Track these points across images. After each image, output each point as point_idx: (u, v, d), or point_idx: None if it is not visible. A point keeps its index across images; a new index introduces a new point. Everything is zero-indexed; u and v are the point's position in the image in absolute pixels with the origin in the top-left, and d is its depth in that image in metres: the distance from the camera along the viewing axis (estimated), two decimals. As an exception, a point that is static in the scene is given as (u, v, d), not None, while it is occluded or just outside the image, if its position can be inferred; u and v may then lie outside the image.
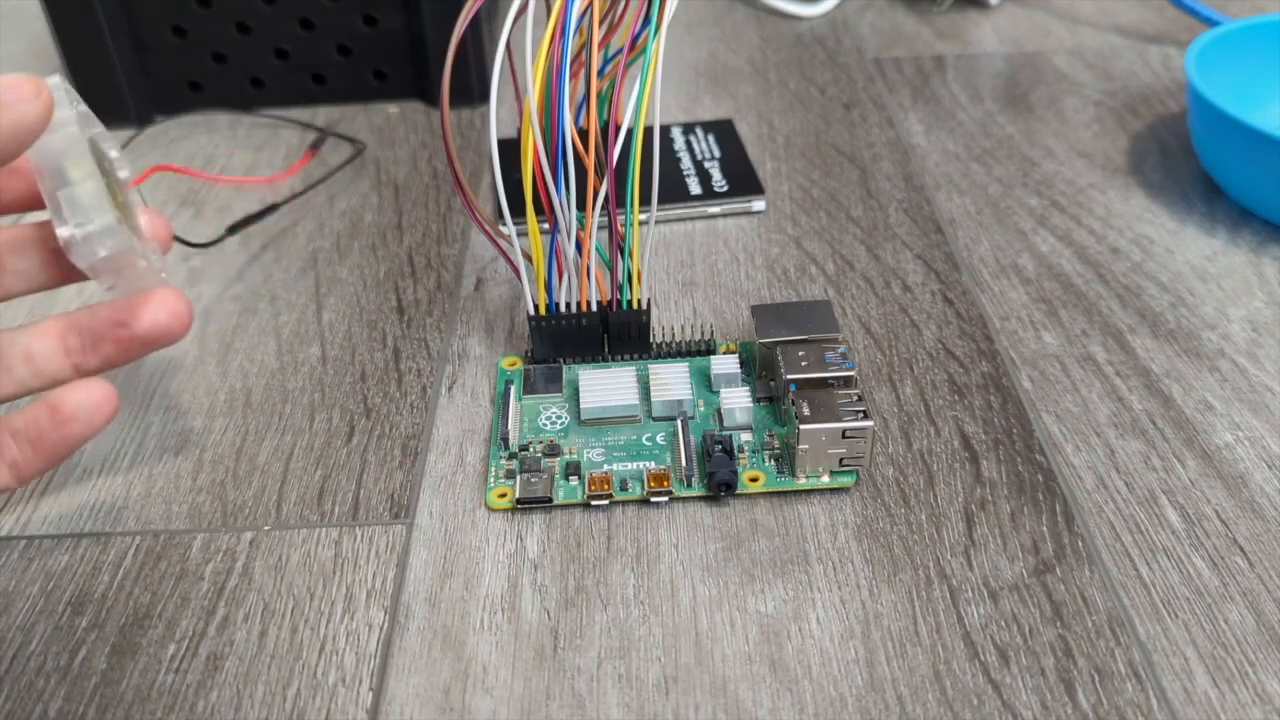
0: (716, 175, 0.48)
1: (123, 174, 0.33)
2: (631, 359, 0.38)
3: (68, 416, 0.29)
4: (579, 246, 0.35)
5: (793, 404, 0.33)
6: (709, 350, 0.38)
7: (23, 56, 0.63)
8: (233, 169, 0.51)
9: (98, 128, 0.31)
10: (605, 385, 0.36)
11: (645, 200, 0.34)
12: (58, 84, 0.29)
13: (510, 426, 0.35)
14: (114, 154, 0.32)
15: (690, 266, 0.44)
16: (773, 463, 0.34)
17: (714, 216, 0.47)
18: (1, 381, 0.31)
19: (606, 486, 0.33)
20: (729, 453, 0.33)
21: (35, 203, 0.32)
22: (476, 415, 0.37)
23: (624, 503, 0.34)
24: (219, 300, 0.43)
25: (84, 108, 0.31)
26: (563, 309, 0.37)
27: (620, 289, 0.36)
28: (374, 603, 0.31)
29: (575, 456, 0.35)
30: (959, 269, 0.43)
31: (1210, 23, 0.58)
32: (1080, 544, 0.32)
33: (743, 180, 0.48)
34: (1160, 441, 0.35)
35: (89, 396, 0.29)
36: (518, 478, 0.34)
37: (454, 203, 0.48)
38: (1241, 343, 0.39)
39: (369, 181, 0.50)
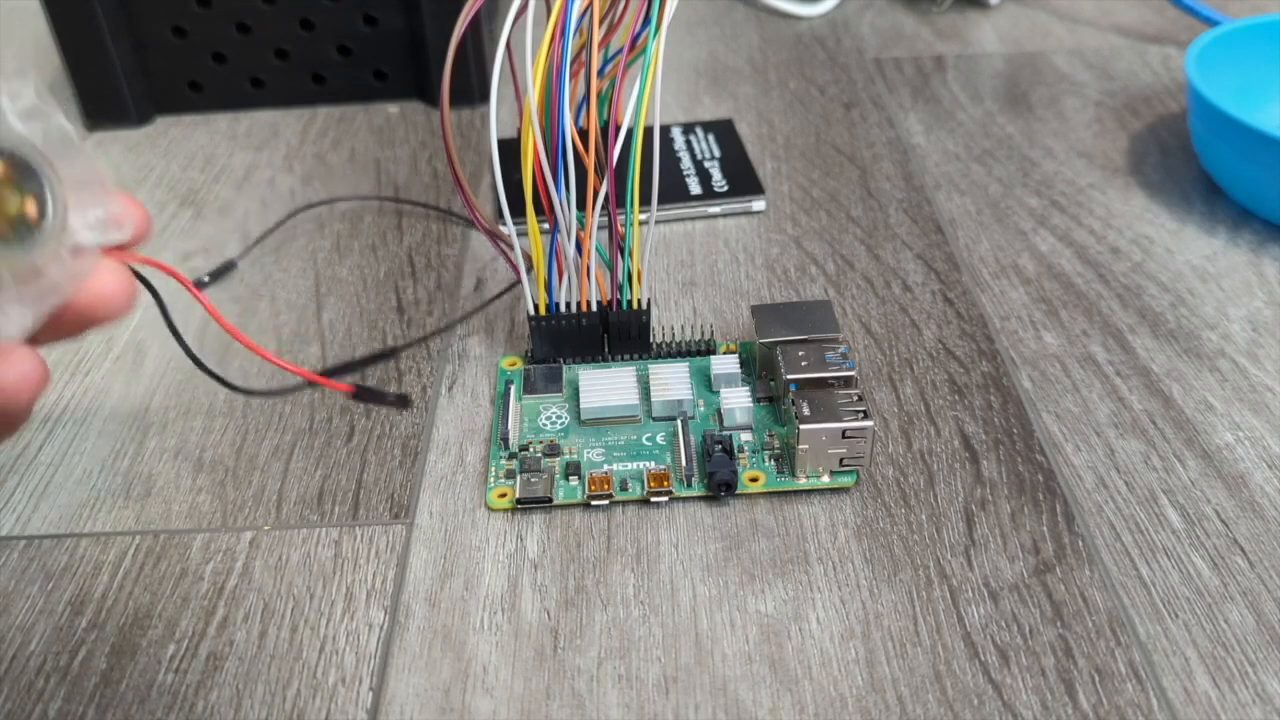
0: (716, 175, 0.48)
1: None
2: (631, 359, 0.38)
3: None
4: (579, 246, 0.35)
5: (793, 404, 0.33)
6: (709, 350, 0.38)
7: (23, 57, 0.63)
8: (232, 168, 0.51)
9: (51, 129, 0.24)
10: (605, 385, 0.36)
11: (645, 200, 0.34)
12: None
13: (510, 426, 0.35)
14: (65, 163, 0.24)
15: (690, 266, 0.44)
16: (773, 463, 0.34)
17: (714, 216, 0.47)
18: None
19: (606, 486, 0.33)
20: (729, 453, 0.33)
21: None
22: (476, 415, 0.37)
23: (624, 503, 0.34)
24: (219, 301, 0.43)
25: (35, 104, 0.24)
26: (563, 309, 0.36)
27: (620, 289, 0.36)
28: (374, 603, 0.31)
29: (575, 456, 0.35)
30: (959, 269, 0.43)
31: (1210, 23, 0.58)
32: (1080, 544, 0.32)
33: (743, 180, 0.48)
34: (1160, 441, 0.35)
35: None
36: (518, 478, 0.34)
37: (454, 203, 0.48)
38: (1241, 342, 0.39)
39: (369, 182, 0.50)
